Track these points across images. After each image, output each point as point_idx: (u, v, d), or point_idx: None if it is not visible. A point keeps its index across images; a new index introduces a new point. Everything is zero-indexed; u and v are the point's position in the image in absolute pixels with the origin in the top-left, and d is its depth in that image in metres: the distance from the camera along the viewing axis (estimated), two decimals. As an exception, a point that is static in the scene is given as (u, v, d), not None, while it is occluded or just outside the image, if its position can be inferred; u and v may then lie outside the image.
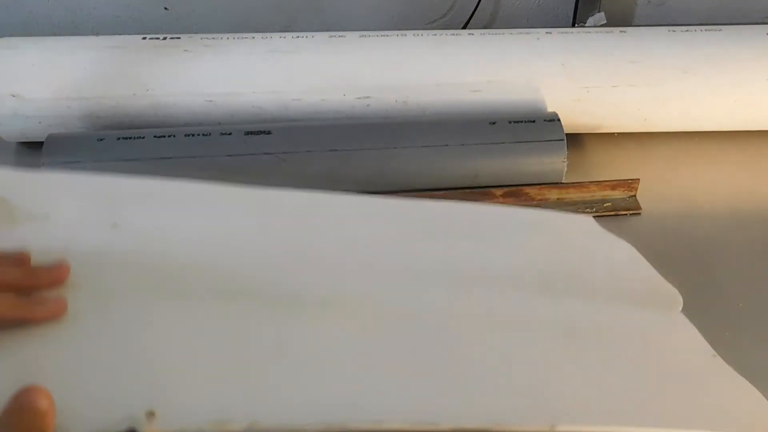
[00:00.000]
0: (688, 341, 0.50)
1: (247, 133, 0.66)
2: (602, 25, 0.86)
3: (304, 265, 0.49)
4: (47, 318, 0.41)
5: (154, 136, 0.66)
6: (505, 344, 0.45)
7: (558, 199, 0.68)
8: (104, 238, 0.46)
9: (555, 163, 0.67)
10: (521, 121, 0.67)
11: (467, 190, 0.67)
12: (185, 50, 0.71)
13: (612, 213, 0.67)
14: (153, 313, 0.42)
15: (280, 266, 0.48)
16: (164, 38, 0.73)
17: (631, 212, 0.67)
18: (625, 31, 0.74)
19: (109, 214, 0.47)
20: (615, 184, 0.68)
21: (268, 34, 0.74)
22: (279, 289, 0.46)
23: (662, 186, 0.71)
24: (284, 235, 0.50)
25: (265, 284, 0.46)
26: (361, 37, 0.73)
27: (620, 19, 0.94)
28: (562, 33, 0.74)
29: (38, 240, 0.44)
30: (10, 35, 0.81)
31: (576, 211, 0.67)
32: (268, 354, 0.41)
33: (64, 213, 0.47)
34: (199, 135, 0.66)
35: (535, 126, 0.67)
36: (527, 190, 0.67)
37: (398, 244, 0.52)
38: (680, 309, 0.55)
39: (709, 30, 0.74)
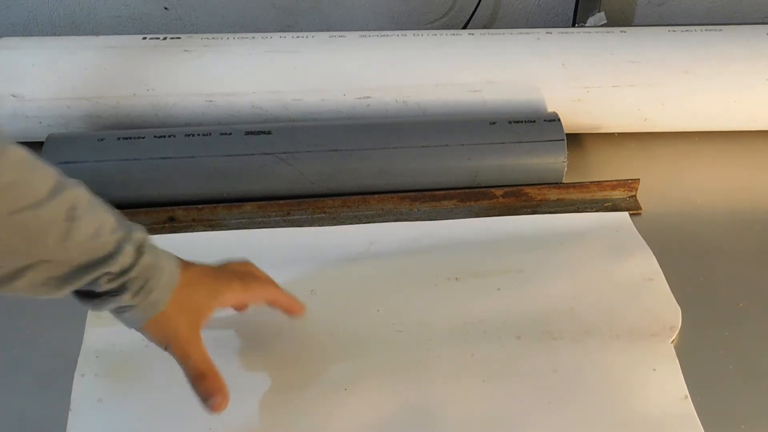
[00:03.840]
0: (666, 381, 0.53)
1: (247, 133, 0.66)
2: (602, 25, 0.86)
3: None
4: (298, 312, 0.54)
5: (154, 136, 0.66)
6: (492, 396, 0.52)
7: (558, 199, 0.68)
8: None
9: (555, 163, 0.67)
10: (521, 121, 0.67)
11: (467, 190, 0.67)
12: (185, 50, 0.71)
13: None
14: None
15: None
16: (164, 38, 0.73)
17: (631, 212, 0.67)
18: (625, 31, 0.74)
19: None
20: (615, 184, 0.68)
21: (268, 34, 0.74)
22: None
23: (662, 186, 0.71)
24: None
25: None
26: (361, 37, 0.73)
27: (620, 19, 0.94)
28: (562, 33, 0.74)
29: None
30: (11, 35, 0.81)
31: (576, 211, 0.67)
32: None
33: None
34: (199, 135, 0.66)
35: (535, 126, 0.67)
36: (527, 190, 0.67)
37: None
38: (677, 332, 0.56)
39: (709, 30, 0.74)
